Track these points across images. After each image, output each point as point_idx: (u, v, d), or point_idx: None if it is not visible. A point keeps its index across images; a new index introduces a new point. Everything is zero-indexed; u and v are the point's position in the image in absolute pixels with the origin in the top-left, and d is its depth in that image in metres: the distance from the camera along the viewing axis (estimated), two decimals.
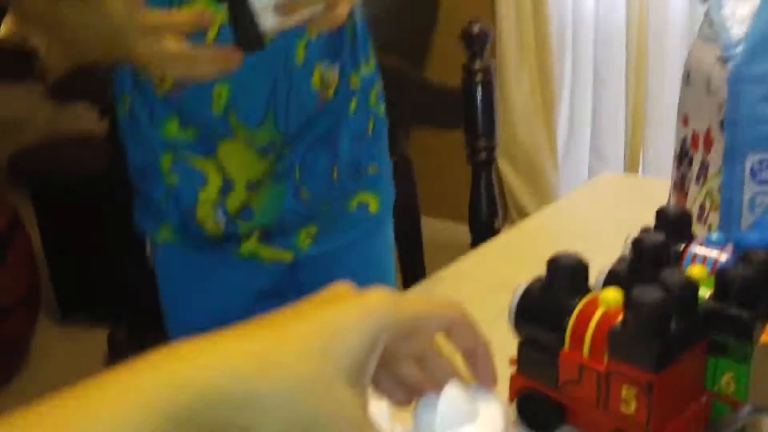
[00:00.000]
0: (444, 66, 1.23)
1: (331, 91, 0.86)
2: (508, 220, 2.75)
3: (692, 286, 0.52)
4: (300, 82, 0.82)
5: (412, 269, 1.16)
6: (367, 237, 0.94)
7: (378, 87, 0.94)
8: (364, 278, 0.98)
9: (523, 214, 2.63)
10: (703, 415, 0.54)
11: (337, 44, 0.86)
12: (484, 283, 0.85)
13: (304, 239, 0.90)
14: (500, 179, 2.77)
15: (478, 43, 1.12)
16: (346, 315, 0.38)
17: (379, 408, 0.50)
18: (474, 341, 0.42)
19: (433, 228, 3.02)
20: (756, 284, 0.52)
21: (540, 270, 0.59)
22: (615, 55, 2.43)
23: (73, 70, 3.96)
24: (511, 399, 0.60)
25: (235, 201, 0.86)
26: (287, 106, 0.82)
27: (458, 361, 0.45)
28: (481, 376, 0.43)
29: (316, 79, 0.83)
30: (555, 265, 0.56)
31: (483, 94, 1.12)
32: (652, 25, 2.28)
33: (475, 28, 1.12)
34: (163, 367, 0.35)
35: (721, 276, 0.53)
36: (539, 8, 2.49)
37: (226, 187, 0.85)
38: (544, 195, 2.63)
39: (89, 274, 2.56)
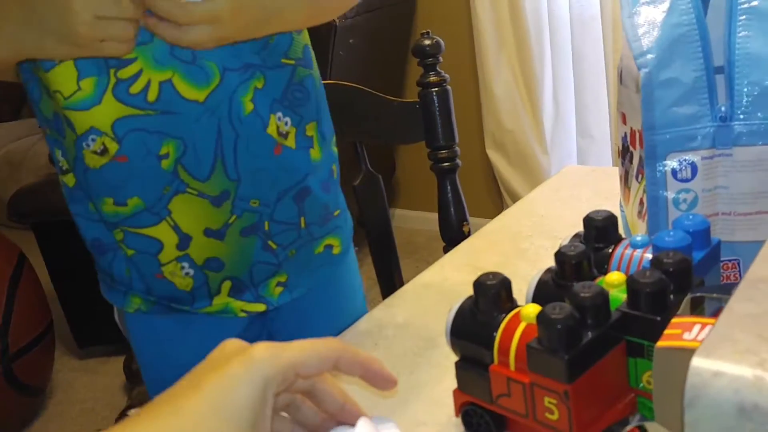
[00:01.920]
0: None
1: (290, 141, 0.85)
2: (504, 207, 2.78)
3: (602, 297, 0.55)
4: (249, 131, 0.81)
5: (389, 276, 1.19)
6: (334, 275, 0.95)
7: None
8: (336, 312, 1.00)
9: (517, 200, 2.66)
10: (630, 411, 0.58)
11: (295, 96, 0.86)
12: (445, 293, 0.89)
13: (275, 288, 0.90)
14: (491, 169, 2.80)
15: (430, 57, 1.15)
16: (232, 375, 0.42)
17: None
18: (361, 364, 0.47)
19: (419, 219, 3.06)
20: (664, 288, 0.55)
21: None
22: (592, 33, 2.45)
23: None
24: (456, 414, 0.64)
25: (198, 251, 0.84)
26: (235, 155, 0.81)
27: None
28: (381, 385, 0.48)
29: (272, 128, 0.83)
30: (479, 286, 0.60)
31: (440, 105, 1.14)
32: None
33: (426, 42, 1.14)
34: None
35: (631, 284, 0.56)
36: None
37: (184, 242, 0.84)
38: (536, 179, 2.65)
39: (100, 304, 2.61)
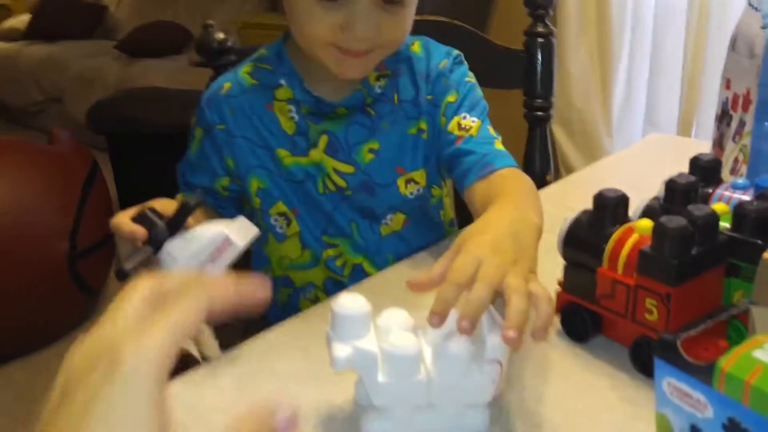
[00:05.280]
0: (505, 30, 1.31)
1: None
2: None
3: (713, 218, 0.61)
4: None
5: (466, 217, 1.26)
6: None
7: None
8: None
9: None
10: (718, 327, 0.64)
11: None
12: None
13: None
14: (554, 143, 2.84)
15: (541, 8, 1.20)
16: (110, 402, 0.34)
17: None
18: (231, 296, 0.39)
19: None
20: (766, 217, 0.61)
21: None
22: (675, 25, 2.47)
23: (141, 27, 4.13)
24: (556, 312, 0.71)
25: None
26: None
27: None
28: (256, 296, 0.40)
29: None
30: (600, 198, 0.67)
31: (543, 56, 1.20)
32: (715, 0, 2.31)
33: None
34: None
35: (738, 210, 0.62)
36: None
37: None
38: (596, 161, 2.68)
39: None
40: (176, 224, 0.73)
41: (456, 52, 0.97)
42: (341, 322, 0.56)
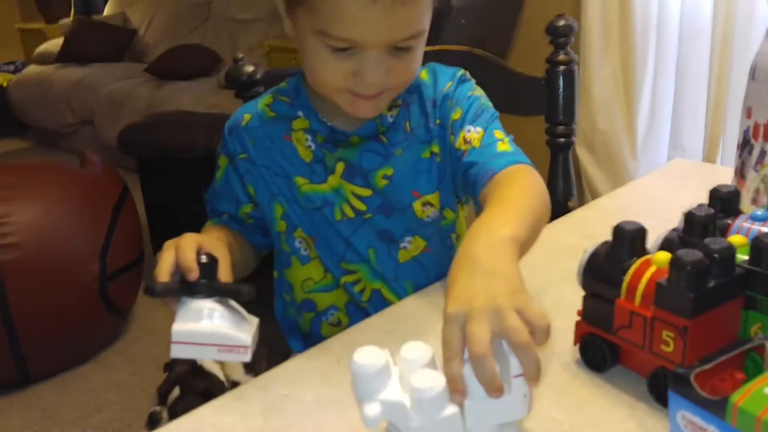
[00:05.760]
0: (527, 57, 1.33)
1: None
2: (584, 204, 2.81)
3: (730, 251, 0.62)
4: None
5: None
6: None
7: None
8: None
9: None
10: (736, 358, 0.65)
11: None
12: (556, 251, 0.96)
13: None
14: (578, 166, 2.84)
15: (562, 36, 1.22)
16: None
17: None
18: None
19: None
20: None
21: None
22: (699, 48, 2.47)
23: (170, 50, 4.20)
24: (575, 342, 0.72)
25: None
26: None
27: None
28: None
29: None
30: (619, 230, 0.68)
31: (565, 83, 1.21)
32: (738, 21, 2.31)
33: (561, 22, 1.21)
34: None
35: (755, 243, 0.63)
36: (625, 1, 2.55)
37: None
38: (621, 183, 2.68)
39: None
40: (218, 293, 0.74)
41: (461, 71, 0.98)
42: (362, 381, 0.57)
